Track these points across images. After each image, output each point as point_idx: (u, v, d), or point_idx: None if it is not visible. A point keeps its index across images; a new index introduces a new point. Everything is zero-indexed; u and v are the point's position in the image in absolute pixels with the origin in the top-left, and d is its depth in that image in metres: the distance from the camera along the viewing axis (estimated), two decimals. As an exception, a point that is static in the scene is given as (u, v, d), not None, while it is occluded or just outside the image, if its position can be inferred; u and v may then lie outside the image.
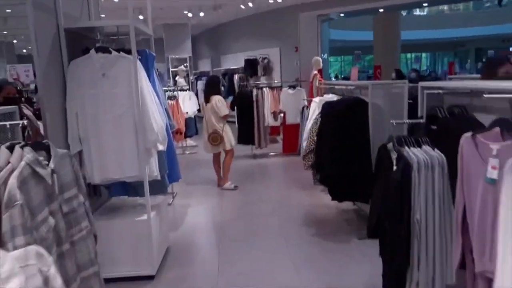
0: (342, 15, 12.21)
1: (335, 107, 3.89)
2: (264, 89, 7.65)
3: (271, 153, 8.16)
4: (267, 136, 7.79)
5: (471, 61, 27.46)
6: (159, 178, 3.26)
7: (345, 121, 3.70)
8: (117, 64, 3.04)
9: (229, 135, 5.88)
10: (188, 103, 8.56)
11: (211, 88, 5.89)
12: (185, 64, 13.09)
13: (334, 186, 3.90)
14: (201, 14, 11.04)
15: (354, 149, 3.64)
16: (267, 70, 12.16)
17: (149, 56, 3.40)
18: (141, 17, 10.86)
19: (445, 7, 28.41)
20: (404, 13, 21.63)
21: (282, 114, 7.91)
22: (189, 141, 9.18)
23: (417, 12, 26.99)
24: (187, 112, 8.27)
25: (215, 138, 5.73)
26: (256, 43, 12.75)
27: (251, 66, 12.34)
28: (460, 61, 28.27)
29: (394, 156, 2.25)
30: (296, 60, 11.57)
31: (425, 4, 17.48)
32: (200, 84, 15.09)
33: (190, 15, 11.06)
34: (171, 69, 13.57)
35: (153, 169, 3.18)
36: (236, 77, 12.86)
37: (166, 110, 3.58)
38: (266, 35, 12.40)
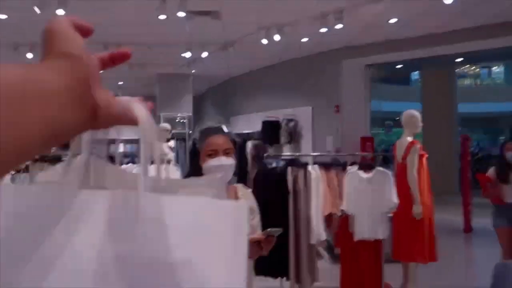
0: (399, 66, 8.62)
1: None
2: (311, 168, 3.68)
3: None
4: (315, 262, 3.69)
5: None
6: None
7: None
8: None
9: None
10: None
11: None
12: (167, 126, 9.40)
13: None
14: (204, 54, 7.49)
15: None
16: (294, 137, 8.35)
17: None
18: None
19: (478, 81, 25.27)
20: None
21: (339, 217, 3.89)
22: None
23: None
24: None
25: None
26: (279, 100, 9.07)
27: (271, 131, 8.55)
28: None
29: None
30: (336, 124, 7.81)
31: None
32: (202, 153, 11.29)
33: (188, 54, 7.50)
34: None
35: None
36: (249, 145, 9.03)
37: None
38: (293, 89, 8.75)
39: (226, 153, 1.73)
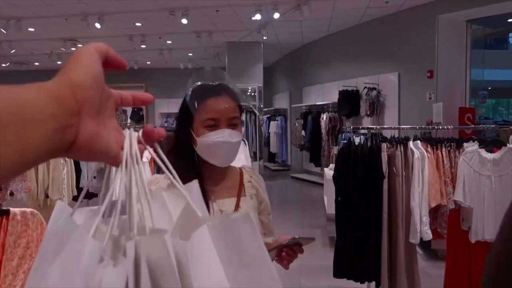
0: (511, 20, 7.07)
1: None
2: (412, 145, 2.79)
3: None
4: (415, 266, 2.85)
5: None
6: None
7: None
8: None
9: None
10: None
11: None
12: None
13: None
14: (275, 15, 6.67)
15: None
16: (376, 108, 7.30)
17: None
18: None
19: None
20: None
21: (448, 211, 2.96)
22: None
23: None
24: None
25: None
26: (359, 67, 8.03)
27: (349, 102, 7.58)
28: None
29: None
30: (428, 92, 6.63)
31: None
32: (274, 126, 10.69)
33: (258, 17, 6.74)
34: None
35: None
36: (324, 117, 8.16)
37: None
38: (376, 54, 7.64)
39: (231, 124, 1.21)
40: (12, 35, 8.10)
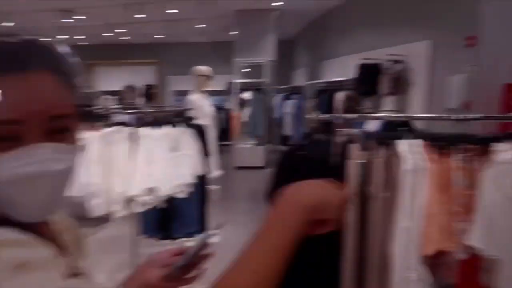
0: None
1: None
2: (406, 146, 1.66)
3: None
4: None
5: None
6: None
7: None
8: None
9: None
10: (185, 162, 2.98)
11: None
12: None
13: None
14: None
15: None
16: (400, 85, 5.96)
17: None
18: None
19: None
20: None
21: (458, 261, 1.81)
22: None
23: None
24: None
25: None
26: (384, 36, 6.66)
27: (367, 77, 6.29)
28: None
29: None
30: (468, 65, 5.21)
31: None
32: (290, 106, 9.54)
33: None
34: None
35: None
36: (339, 97, 6.91)
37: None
38: (404, 19, 6.24)
39: (52, 130, 0.53)
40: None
